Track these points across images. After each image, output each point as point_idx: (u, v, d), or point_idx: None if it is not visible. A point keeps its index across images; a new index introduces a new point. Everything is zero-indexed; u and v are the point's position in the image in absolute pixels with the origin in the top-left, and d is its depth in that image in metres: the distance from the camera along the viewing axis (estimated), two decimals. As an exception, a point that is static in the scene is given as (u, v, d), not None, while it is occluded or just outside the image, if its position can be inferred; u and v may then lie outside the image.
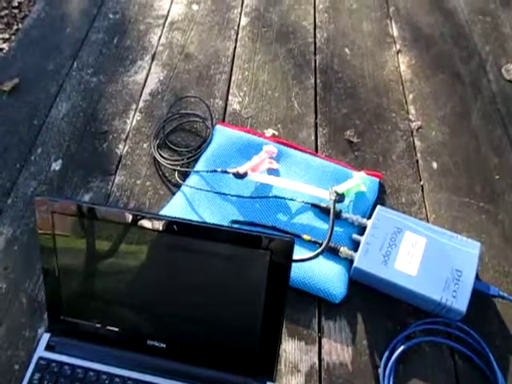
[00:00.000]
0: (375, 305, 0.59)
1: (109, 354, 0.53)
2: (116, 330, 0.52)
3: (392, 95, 0.82)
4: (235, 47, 0.90)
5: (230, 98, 0.82)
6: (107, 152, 0.75)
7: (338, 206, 0.64)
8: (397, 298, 0.58)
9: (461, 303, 0.54)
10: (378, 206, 0.63)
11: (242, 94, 0.83)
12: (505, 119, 0.79)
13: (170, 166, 0.72)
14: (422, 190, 0.70)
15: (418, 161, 0.74)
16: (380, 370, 0.54)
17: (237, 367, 0.51)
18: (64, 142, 0.76)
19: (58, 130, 0.77)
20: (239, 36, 0.92)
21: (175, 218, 0.48)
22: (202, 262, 0.48)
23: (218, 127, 0.75)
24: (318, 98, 0.82)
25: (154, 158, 0.73)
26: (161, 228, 0.48)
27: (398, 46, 0.90)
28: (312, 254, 0.57)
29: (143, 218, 0.48)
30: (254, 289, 0.48)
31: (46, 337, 0.54)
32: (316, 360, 0.55)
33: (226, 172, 0.67)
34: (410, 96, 0.82)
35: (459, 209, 0.68)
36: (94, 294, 0.52)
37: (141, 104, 0.81)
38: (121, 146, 0.76)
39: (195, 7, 0.98)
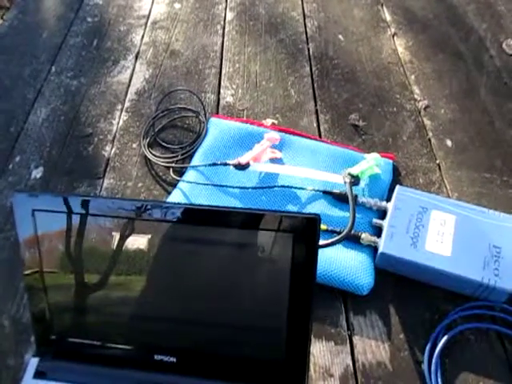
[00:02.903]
0: (407, 293, 0.53)
1: (110, 376, 0.45)
2: (117, 346, 0.45)
3: (393, 77, 0.78)
4: (223, 41, 0.85)
5: (222, 91, 0.76)
6: (93, 155, 0.68)
7: (354, 191, 0.58)
8: (430, 284, 0.52)
9: (506, 281, 0.48)
10: (398, 186, 0.58)
11: (234, 86, 0.77)
12: (514, 92, 0.75)
13: (164, 164, 0.65)
14: (440, 168, 0.65)
15: (430, 140, 0.69)
16: (424, 367, 0.47)
17: (261, 377, 0.43)
18: (45, 148, 0.69)
19: (38, 137, 0.71)
20: (226, 30, 0.87)
21: (176, 203, 0.42)
22: (213, 255, 0.42)
23: (213, 120, 0.69)
24: (315, 85, 0.77)
25: (146, 157, 0.67)
26: (164, 217, 0.41)
27: (392, 30, 0.86)
28: (334, 239, 0.51)
29: (142, 207, 0.41)
30: (275, 281, 0.41)
31: (33, 362, 0.46)
32: (349, 361, 0.48)
33: (226, 164, 0.61)
34: (412, 77, 0.78)
35: (482, 185, 0.63)
36: (89, 306, 0.45)
37: (127, 104, 0.75)
38: (108, 148, 0.69)
39: (177, 6, 0.93)
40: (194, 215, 0.41)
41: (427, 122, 0.71)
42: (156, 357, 0.44)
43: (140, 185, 0.64)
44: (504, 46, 0.82)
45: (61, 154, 0.68)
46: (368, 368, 0.48)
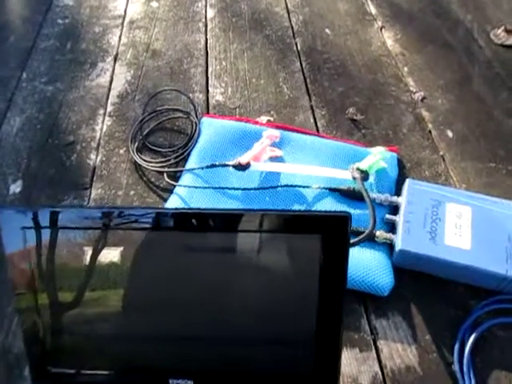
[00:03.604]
0: (428, 291, 0.50)
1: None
2: (126, 372, 0.40)
3: (386, 70, 0.76)
4: (206, 39, 0.81)
5: (210, 89, 0.73)
6: (77, 164, 0.63)
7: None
8: (451, 279, 0.50)
9: (531, 272, 0.46)
10: (408, 180, 0.55)
11: (223, 84, 0.73)
12: (507, 82, 0.74)
13: (157, 169, 0.61)
14: (444, 160, 0.63)
15: (430, 131, 0.67)
16: (455, 367, 0.44)
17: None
18: (22, 159, 0.63)
19: (13, 148, 0.65)
20: (209, 28, 0.84)
21: (183, 208, 0.38)
22: (230, 262, 0.38)
23: (205, 119, 0.65)
24: (307, 80, 0.74)
25: (135, 163, 0.62)
26: (171, 224, 0.37)
27: (379, 23, 0.85)
28: (356, 239, 0.47)
29: (145, 214, 0.37)
30: (302, 288, 0.37)
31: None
32: (377, 368, 0.45)
33: (225, 165, 0.57)
34: (405, 68, 0.76)
35: (488, 175, 0.61)
36: (90, 329, 0.40)
37: (109, 108, 0.70)
38: (93, 156, 0.64)
39: (155, 4, 0.89)
40: (209, 220, 0.37)
41: (425, 114, 0.69)
42: (171, 381, 0.40)
43: (132, 193, 0.60)
44: (492, 36, 0.81)
45: (40, 165, 0.63)
46: (397, 374, 0.45)
